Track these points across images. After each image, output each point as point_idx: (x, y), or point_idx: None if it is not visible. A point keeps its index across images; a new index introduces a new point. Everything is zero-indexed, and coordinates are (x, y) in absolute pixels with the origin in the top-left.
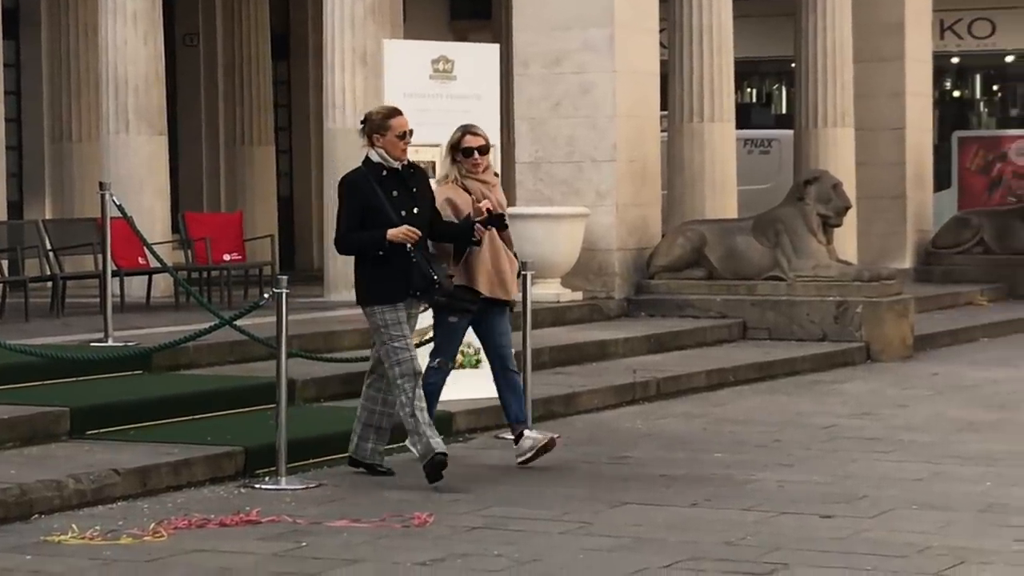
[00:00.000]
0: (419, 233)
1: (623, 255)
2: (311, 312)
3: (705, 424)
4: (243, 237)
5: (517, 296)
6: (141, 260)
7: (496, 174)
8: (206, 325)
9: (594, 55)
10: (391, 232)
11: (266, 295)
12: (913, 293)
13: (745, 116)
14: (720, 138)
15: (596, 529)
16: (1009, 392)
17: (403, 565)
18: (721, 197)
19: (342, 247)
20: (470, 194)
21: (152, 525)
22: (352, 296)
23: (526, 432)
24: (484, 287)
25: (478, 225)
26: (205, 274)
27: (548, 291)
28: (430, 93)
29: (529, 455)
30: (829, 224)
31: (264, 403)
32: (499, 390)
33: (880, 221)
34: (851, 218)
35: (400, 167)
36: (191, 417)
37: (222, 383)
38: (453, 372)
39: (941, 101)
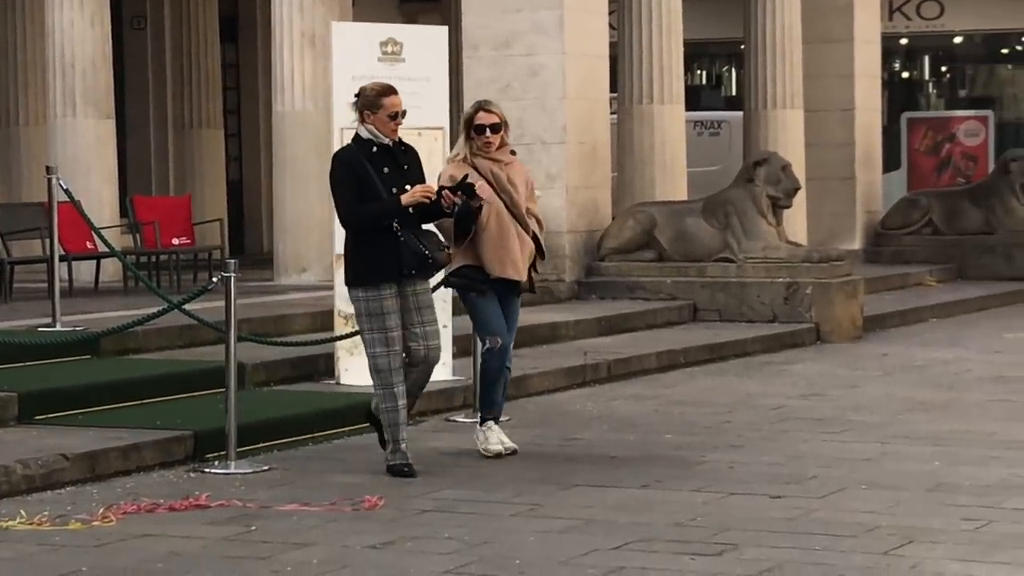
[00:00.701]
0: (430, 190)
1: (573, 237)
2: (261, 296)
3: (656, 406)
4: (192, 221)
5: (527, 277)
6: (89, 244)
7: (513, 152)
8: (155, 309)
9: (543, 37)
10: (405, 197)
11: (215, 279)
12: (863, 274)
13: (695, 98)
14: (670, 120)
15: (547, 511)
16: (958, 372)
17: (353, 548)
18: (671, 179)
19: (352, 222)
20: (479, 173)
21: (101, 510)
22: (301, 279)
23: (488, 423)
24: (490, 266)
25: (446, 192)
26: (154, 258)
27: None
28: (379, 76)
29: (492, 453)
30: (779, 206)
31: (214, 387)
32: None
33: (829, 202)
34: (800, 199)
35: (391, 143)
36: (140, 402)
37: (171, 367)
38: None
39: (890, 82)
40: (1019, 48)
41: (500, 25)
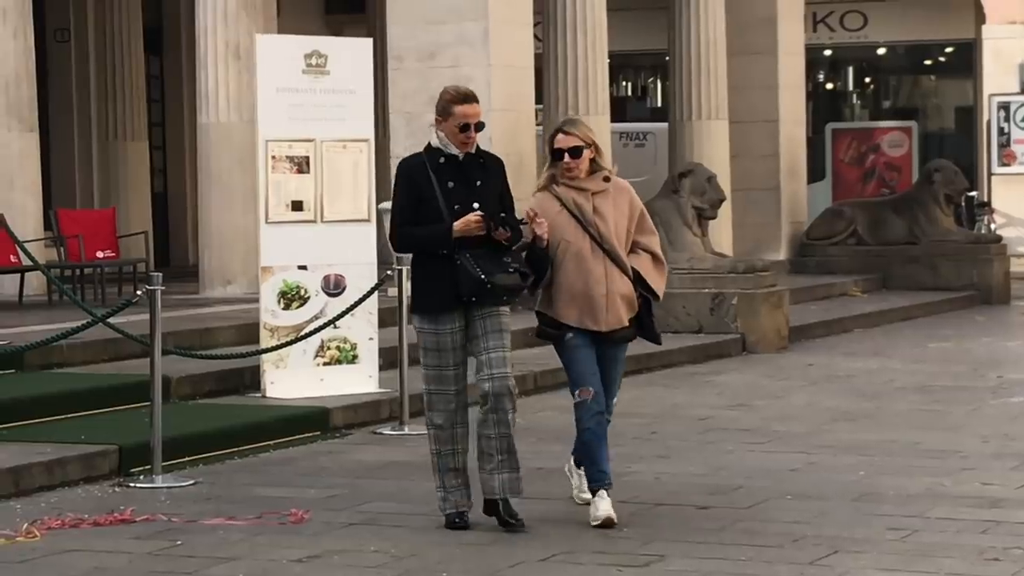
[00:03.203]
0: (478, 217)
1: None
2: (186, 309)
3: None
4: (117, 234)
5: (622, 326)
6: (12, 258)
7: (607, 178)
8: (79, 323)
9: (469, 49)
10: (457, 225)
11: (139, 292)
12: (788, 284)
13: (620, 109)
14: (595, 131)
15: (473, 523)
16: (882, 382)
17: (279, 563)
18: None
19: (397, 244)
20: (563, 204)
21: (25, 525)
22: (227, 292)
23: (603, 494)
24: (563, 315)
25: (497, 227)
26: (78, 272)
27: None
28: (303, 88)
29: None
30: (704, 216)
31: (139, 401)
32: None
33: (754, 213)
34: (726, 210)
35: (461, 155)
36: (65, 416)
37: (96, 381)
38: (331, 368)
39: (814, 93)
40: (942, 59)
41: (425, 36)
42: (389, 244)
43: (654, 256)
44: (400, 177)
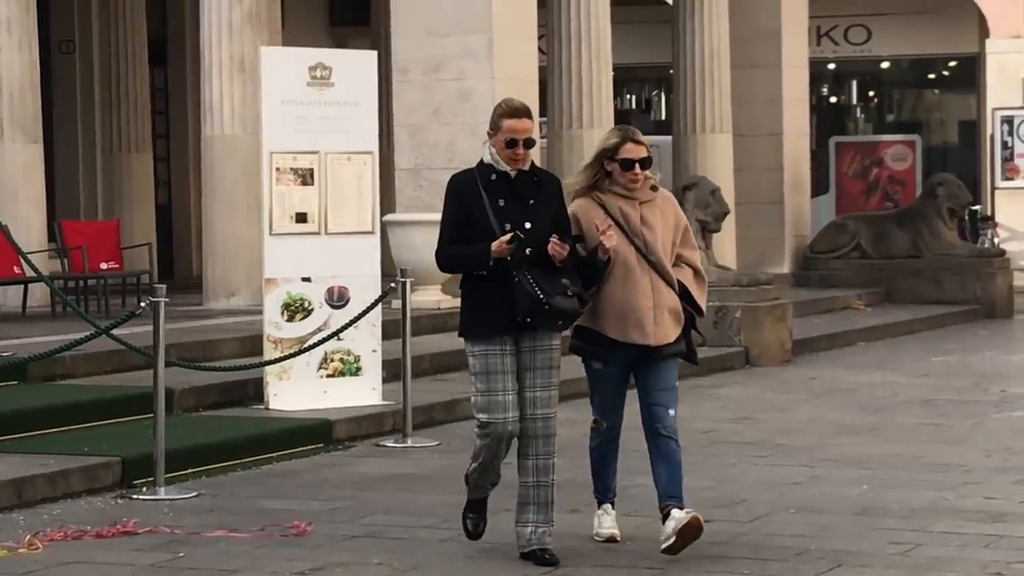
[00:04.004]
0: (510, 240)
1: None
2: (190, 320)
3: (585, 430)
4: (120, 245)
5: (669, 341)
6: (16, 269)
7: (654, 187)
8: (83, 335)
9: (473, 62)
10: (495, 245)
11: (143, 304)
12: (791, 298)
13: (624, 122)
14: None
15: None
16: (886, 395)
17: (281, 575)
18: None
19: (441, 262)
20: (608, 212)
21: (28, 537)
22: (230, 304)
23: (673, 511)
24: (609, 327)
25: (553, 242)
26: (82, 283)
27: (428, 298)
28: (308, 100)
29: (672, 540)
30: (708, 229)
31: (142, 413)
32: (650, 457)
33: (758, 226)
34: (729, 223)
35: (513, 172)
36: (68, 428)
37: (99, 393)
38: (334, 380)
39: (818, 107)
40: (945, 73)
41: (430, 49)
42: (435, 262)
43: (696, 271)
44: (449, 193)
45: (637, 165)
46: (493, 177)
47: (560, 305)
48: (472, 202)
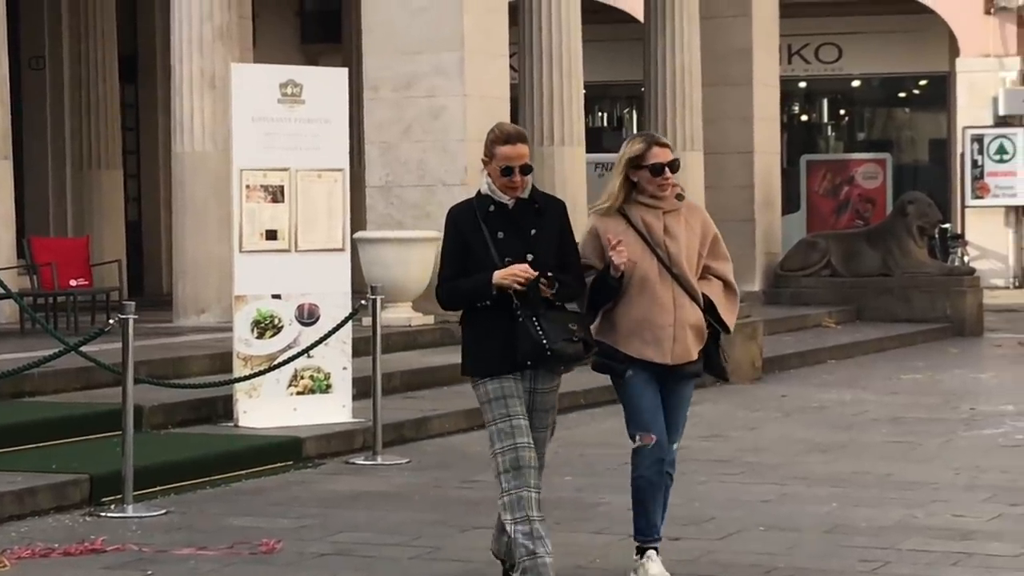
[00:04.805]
0: (528, 273)
1: None
2: (159, 337)
3: (556, 447)
4: (90, 262)
5: (689, 360)
6: None
7: (680, 196)
8: (51, 351)
9: (444, 79)
10: (497, 275)
11: (112, 321)
12: (762, 315)
13: (596, 140)
14: (570, 161)
15: (446, 554)
16: (856, 413)
17: None
18: (572, 220)
19: (443, 299)
20: (630, 224)
21: None
22: (200, 321)
23: (652, 555)
24: (625, 344)
25: (541, 281)
26: (51, 300)
27: (399, 315)
28: (278, 117)
29: None
30: None
31: (111, 430)
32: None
33: (729, 244)
34: None
35: (511, 203)
36: (36, 445)
37: (68, 410)
38: (304, 397)
39: (789, 125)
40: (916, 92)
41: (401, 67)
42: (436, 300)
43: (726, 284)
44: (448, 227)
45: (666, 169)
46: (491, 208)
47: (564, 351)
48: (470, 235)
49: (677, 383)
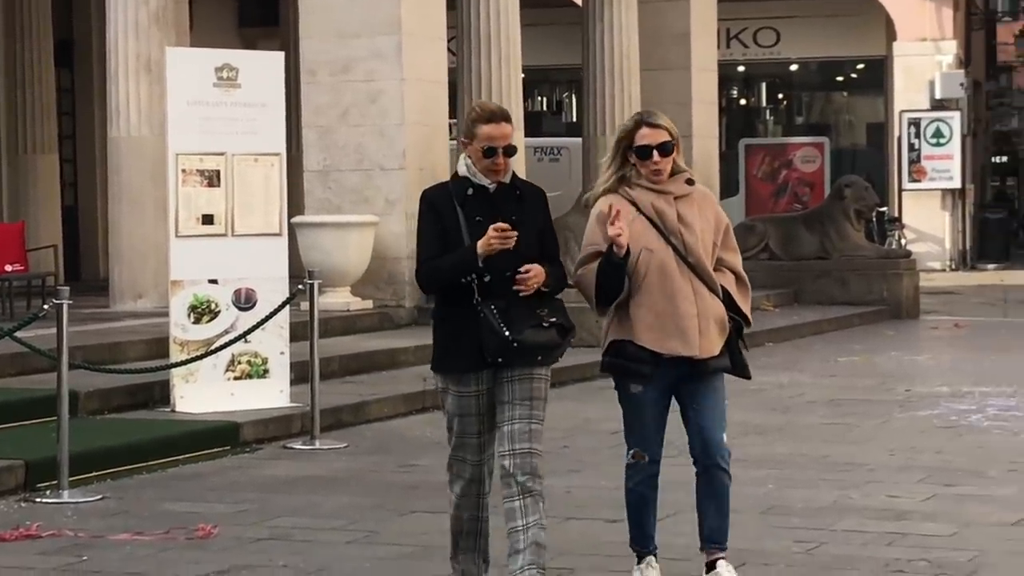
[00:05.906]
0: (511, 235)
1: (413, 263)
2: (95, 323)
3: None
4: (26, 247)
5: (713, 355)
6: None
7: (690, 181)
8: None
9: (382, 63)
10: (481, 242)
11: (47, 306)
12: None
13: (535, 124)
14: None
15: (383, 538)
16: (793, 396)
17: None
18: None
19: (423, 281)
20: (639, 209)
21: None
22: (137, 306)
23: (720, 564)
24: (646, 337)
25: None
26: None
27: (338, 300)
28: (214, 101)
29: None
30: None
31: (46, 415)
32: (696, 491)
33: None
34: None
35: (492, 186)
36: None
37: (2, 396)
38: (241, 382)
39: (728, 109)
40: (854, 76)
41: (339, 51)
42: (417, 285)
43: (738, 276)
44: (424, 210)
45: (655, 152)
46: (470, 192)
47: (532, 340)
48: (446, 217)
49: (703, 378)
